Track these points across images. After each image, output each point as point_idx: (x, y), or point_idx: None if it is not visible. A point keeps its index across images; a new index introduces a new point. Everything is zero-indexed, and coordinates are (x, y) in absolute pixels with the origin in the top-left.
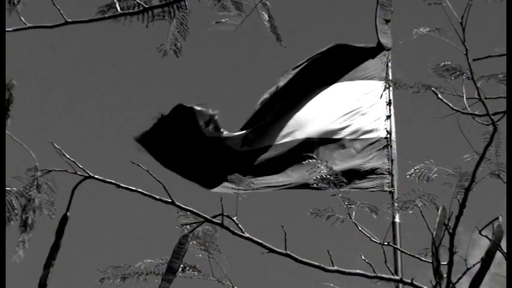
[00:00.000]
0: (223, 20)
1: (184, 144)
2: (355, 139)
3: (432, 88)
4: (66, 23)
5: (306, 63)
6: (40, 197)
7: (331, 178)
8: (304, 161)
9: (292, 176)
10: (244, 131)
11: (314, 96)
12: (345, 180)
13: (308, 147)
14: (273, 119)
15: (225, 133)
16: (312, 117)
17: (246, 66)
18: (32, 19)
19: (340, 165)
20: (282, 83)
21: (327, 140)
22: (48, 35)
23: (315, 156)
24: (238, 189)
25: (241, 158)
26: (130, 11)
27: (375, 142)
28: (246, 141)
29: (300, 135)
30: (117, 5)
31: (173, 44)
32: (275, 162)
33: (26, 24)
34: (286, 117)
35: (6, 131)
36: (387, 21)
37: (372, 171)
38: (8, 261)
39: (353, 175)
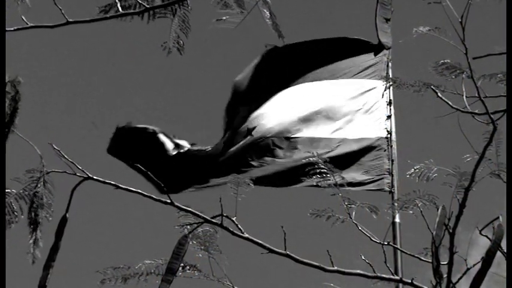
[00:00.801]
0: (224, 18)
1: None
2: (355, 139)
3: (432, 87)
4: (68, 22)
5: (298, 49)
6: (47, 193)
7: (331, 176)
8: (304, 158)
9: (289, 173)
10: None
11: (311, 92)
12: (345, 179)
13: (307, 145)
14: (258, 112)
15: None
16: (311, 115)
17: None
18: (33, 19)
19: (340, 165)
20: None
21: (326, 139)
22: (50, 34)
23: (314, 154)
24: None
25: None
26: (132, 11)
27: (375, 142)
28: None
29: (298, 133)
30: (118, 5)
31: (176, 41)
32: (272, 159)
33: (27, 24)
34: (280, 113)
35: (14, 130)
36: (387, 20)
37: (372, 171)
38: (17, 262)
39: (353, 174)
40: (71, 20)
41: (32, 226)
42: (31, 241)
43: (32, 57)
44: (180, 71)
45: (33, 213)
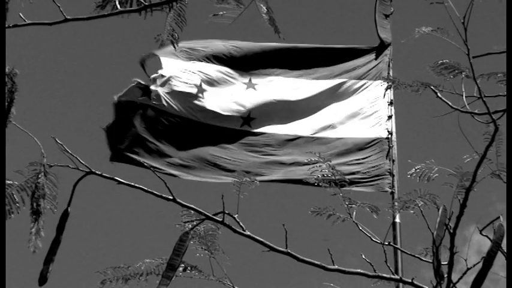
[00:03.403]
0: (221, 13)
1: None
2: (356, 138)
3: (432, 87)
4: (66, 20)
5: (300, 49)
6: (51, 185)
7: (332, 177)
8: (305, 158)
9: (291, 172)
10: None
11: (312, 92)
12: (346, 180)
13: (307, 145)
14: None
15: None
16: (312, 115)
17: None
18: (31, 16)
19: (340, 165)
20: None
21: (326, 139)
22: (48, 32)
23: (316, 154)
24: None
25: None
26: (129, 8)
27: (376, 142)
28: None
29: (298, 132)
30: (116, 1)
31: (170, 34)
32: (274, 156)
33: (25, 21)
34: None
35: (12, 121)
36: (386, 16)
37: (373, 172)
38: (19, 254)
39: (353, 175)
40: (69, 17)
41: (34, 216)
42: (33, 230)
43: (30, 54)
44: None
45: (35, 204)
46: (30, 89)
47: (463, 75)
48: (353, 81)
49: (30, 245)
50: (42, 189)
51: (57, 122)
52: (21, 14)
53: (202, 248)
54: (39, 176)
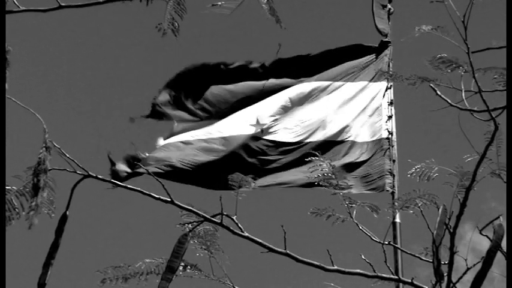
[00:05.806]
0: (220, 3)
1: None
2: (356, 140)
3: (431, 84)
4: (60, 7)
5: (303, 57)
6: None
7: (334, 179)
8: (307, 161)
9: (294, 175)
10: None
11: (314, 96)
12: (347, 181)
13: (311, 148)
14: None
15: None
16: (314, 118)
17: (244, 52)
18: (25, 2)
19: (342, 166)
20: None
21: (328, 142)
22: (42, 18)
23: (318, 156)
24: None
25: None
26: None
27: (376, 143)
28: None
29: (301, 136)
30: None
31: (170, 23)
32: (277, 162)
33: (19, 8)
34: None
35: (10, 96)
36: (384, 6)
37: (374, 172)
38: (15, 244)
39: (355, 176)
40: (63, 4)
41: (33, 191)
42: (32, 205)
43: (28, 52)
44: (174, 53)
45: (35, 179)
46: (23, 89)
47: (462, 72)
48: (353, 82)
49: (27, 221)
50: (44, 164)
51: (55, 120)
52: (15, 1)
53: (202, 247)
54: (41, 151)
